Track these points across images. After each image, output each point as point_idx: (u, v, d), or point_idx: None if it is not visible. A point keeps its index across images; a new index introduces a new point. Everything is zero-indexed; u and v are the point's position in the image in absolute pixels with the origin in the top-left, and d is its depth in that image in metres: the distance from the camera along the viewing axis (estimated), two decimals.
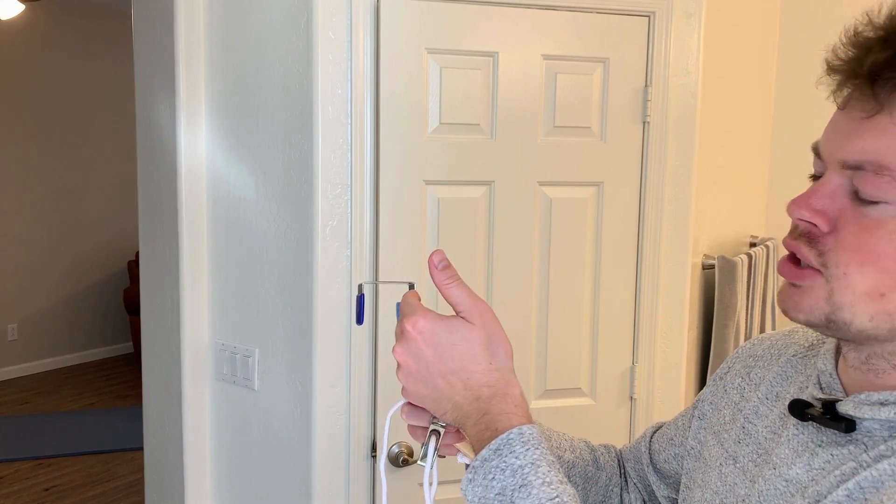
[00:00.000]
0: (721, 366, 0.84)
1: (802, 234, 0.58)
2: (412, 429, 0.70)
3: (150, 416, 2.05)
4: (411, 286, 0.72)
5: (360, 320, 0.76)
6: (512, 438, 0.58)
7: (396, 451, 1.71)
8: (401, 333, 0.66)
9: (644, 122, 1.84)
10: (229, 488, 1.86)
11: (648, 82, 1.83)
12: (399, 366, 0.65)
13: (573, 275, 1.84)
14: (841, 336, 0.60)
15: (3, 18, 4.18)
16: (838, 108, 0.58)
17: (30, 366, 5.46)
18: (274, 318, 1.73)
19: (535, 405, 1.85)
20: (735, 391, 0.76)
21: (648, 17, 1.81)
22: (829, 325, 0.58)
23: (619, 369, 1.92)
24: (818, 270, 0.57)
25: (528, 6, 1.71)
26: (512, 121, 1.74)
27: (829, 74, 0.59)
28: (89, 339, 5.82)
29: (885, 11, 0.55)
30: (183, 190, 1.77)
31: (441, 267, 0.67)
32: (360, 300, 0.76)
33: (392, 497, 1.73)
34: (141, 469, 3.68)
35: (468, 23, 1.68)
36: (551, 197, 1.80)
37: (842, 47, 0.57)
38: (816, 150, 0.59)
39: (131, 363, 5.74)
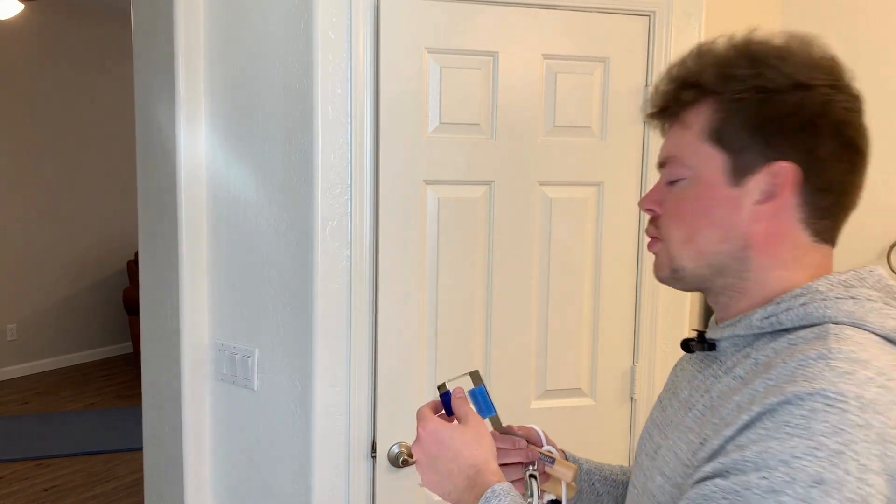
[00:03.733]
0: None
1: (651, 219, 0.86)
2: None
3: (150, 416, 2.05)
4: (475, 375, 0.96)
5: (448, 412, 0.93)
6: (488, 496, 0.80)
7: (396, 451, 1.71)
8: (416, 437, 0.89)
9: (644, 122, 1.84)
10: (229, 488, 1.86)
11: (648, 82, 1.83)
12: (417, 461, 0.89)
13: (573, 275, 1.84)
14: (688, 285, 0.84)
15: (3, 18, 4.18)
16: (662, 134, 0.86)
17: (30, 366, 5.45)
18: (274, 318, 1.73)
19: (536, 405, 1.85)
20: (677, 365, 0.96)
21: (648, 17, 1.81)
22: (675, 277, 0.83)
23: (619, 369, 1.92)
24: (658, 238, 0.85)
25: (529, 5, 1.71)
26: (512, 120, 1.74)
27: (655, 116, 0.86)
28: (89, 339, 5.82)
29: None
30: (183, 190, 1.77)
31: (458, 396, 0.92)
32: (446, 397, 0.93)
33: (392, 497, 1.73)
34: (141, 469, 3.68)
35: (468, 22, 1.68)
36: (551, 197, 1.80)
37: (659, 93, 0.85)
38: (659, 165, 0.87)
39: (131, 363, 5.73)
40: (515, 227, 1.78)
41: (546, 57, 1.74)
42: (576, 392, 1.88)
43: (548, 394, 1.85)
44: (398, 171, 1.66)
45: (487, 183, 1.74)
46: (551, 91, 1.76)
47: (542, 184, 1.78)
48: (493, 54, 1.70)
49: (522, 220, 1.78)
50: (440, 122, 1.68)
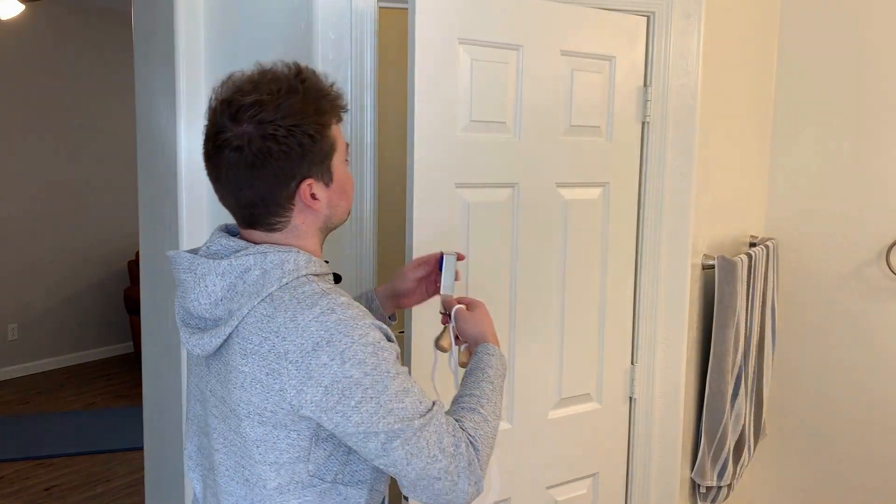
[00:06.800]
0: None
1: None
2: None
3: (150, 416, 2.05)
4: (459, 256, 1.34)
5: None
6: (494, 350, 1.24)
7: None
8: (475, 304, 1.31)
9: (644, 122, 1.84)
10: None
11: (648, 82, 1.83)
12: (479, 314, 1.29)
13: (585, 280, 1.82)
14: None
15: (3, 18, 4.18)
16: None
17: (30, 366, 5.45)
18: None
19: (553, 415, 1.82)
20: None
21: (648, 17, 1.81)
22: None
23: (620, 369, 1.92)
24: None
25: None
26: (535, 119, 1.68)
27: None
28: (89, 339, 5.81)
29: None
30: (183, 189, 1.77)
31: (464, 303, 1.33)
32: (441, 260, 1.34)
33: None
34: (141, 469, 3.67)
35: (494, 12, 1.59)
36: (567, 198, 1.76)
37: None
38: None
39: (131, 363, 5.73)
40: (538, 232, 1.72)
41: (563, 53, 1.69)
42: (585, 398, 1.87)
43: (563, 402, 1.83)
44: (430, 173, 1.55)
45: (512, 185, 1.68)
46: (568, 89, 1.71)
47: (559, 185, 1.74)
48: (517, 48, 1.63)
49: (543, 224, 1.73)
50: (470, 121, 1.60)
